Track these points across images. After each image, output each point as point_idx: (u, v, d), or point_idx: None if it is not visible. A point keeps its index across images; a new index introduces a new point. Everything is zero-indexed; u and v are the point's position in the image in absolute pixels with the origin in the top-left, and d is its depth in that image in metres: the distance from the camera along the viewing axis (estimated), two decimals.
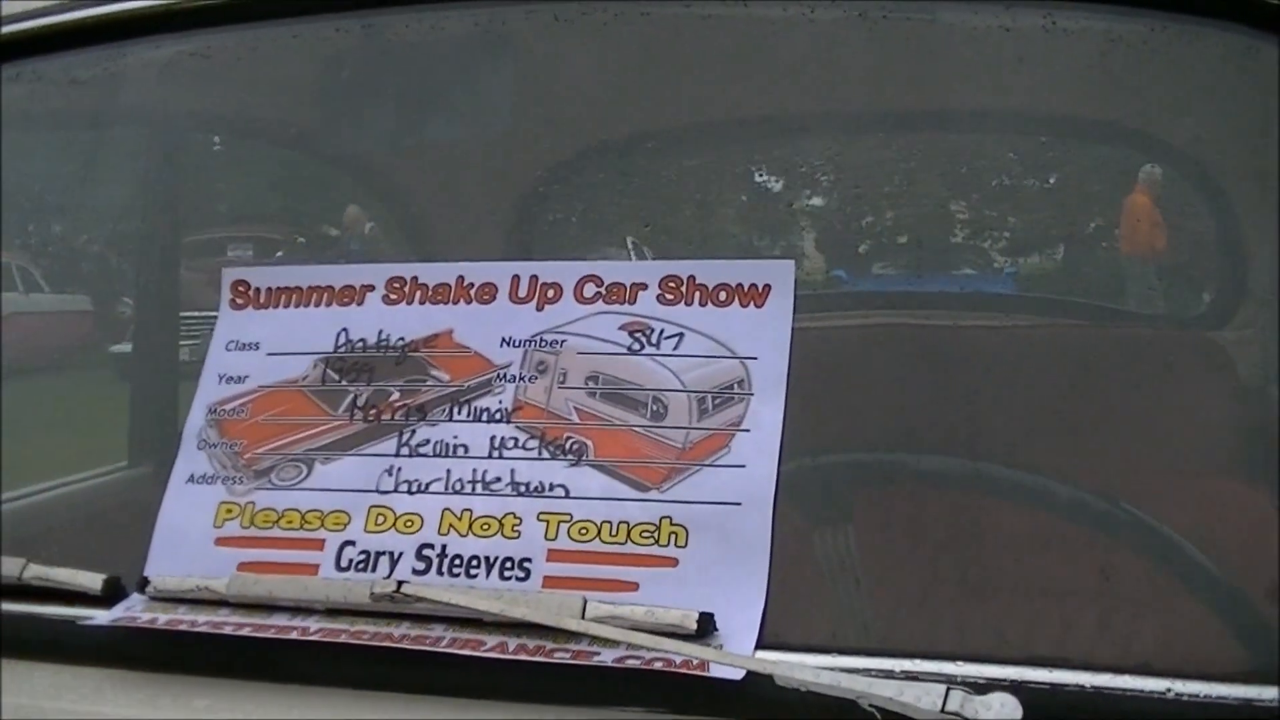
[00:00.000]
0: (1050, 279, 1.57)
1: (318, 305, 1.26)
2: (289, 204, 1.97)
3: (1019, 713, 0.90)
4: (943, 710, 0.91)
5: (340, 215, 1.88)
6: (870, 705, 0.93)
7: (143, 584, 1.18)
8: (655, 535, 1.09)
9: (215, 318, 2.00)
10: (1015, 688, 0.94)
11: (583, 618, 1.03)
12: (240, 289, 1.29)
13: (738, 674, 0.99)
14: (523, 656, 1.04)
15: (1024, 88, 1.40)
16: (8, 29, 1.51)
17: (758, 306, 1.15)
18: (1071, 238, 1.56)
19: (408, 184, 1.60)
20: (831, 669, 0.96)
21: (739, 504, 1.08)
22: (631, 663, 1.02)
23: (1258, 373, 1.38)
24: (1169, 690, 0.97)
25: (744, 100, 1.52)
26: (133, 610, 1.17)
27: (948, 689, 0.91)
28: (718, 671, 0.99)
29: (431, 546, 1.14)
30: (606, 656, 1.03)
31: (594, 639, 1.03)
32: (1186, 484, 1.26)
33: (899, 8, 1.26)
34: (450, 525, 1.14)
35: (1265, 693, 0.97)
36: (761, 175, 1.46)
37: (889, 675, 0.97)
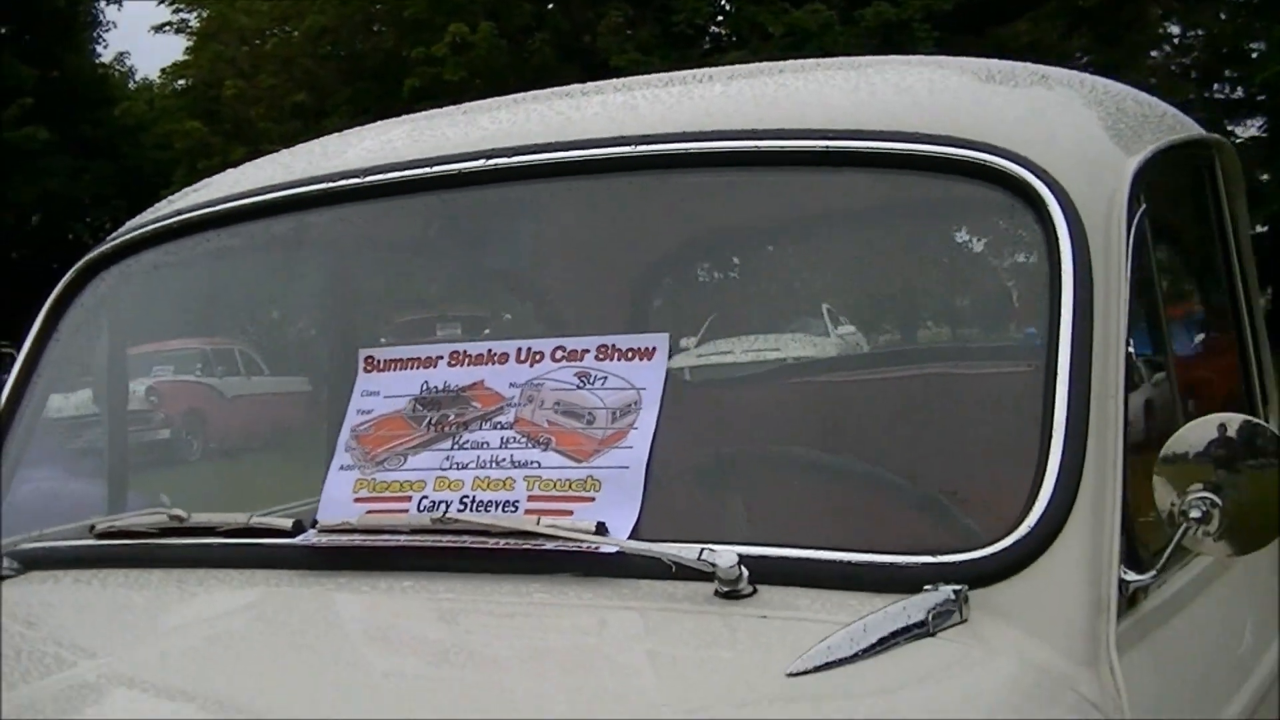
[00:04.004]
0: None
1: (411, 369, 2.21)
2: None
3: (734, 559, 1.76)
4: (698, 558, 1.78)
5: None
6: (668, 559, 1.82)
7: (313, 524, 2.13)
8: (584, 486, 2.00)
9: None
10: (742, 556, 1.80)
11: (538, 525, 1.94)
12: (370, 361, 2.26)
13: (613, 549, 1.88)
14: (510, 547, 1.95)
15: (829, 225, 2.33)
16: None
17: (648, 360, 2.06)
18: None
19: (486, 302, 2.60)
20: (651, 543, 1.85)
21: (627, 468, 1.98)
22: (565, 548, 1.91)
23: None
24: (839, 559, 1.83)
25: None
26: (309, 538, 2.12)
27: (701, 550, 1.79)
28: (605, 548, 1.89)
29: (469, 498, 2.06)
30: (550, 546, 1.93)
31: (546, 536, 1.94)
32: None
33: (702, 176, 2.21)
34: (478, 485, 2.06)
35: (899, 559, 1.82)
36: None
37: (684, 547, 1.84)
